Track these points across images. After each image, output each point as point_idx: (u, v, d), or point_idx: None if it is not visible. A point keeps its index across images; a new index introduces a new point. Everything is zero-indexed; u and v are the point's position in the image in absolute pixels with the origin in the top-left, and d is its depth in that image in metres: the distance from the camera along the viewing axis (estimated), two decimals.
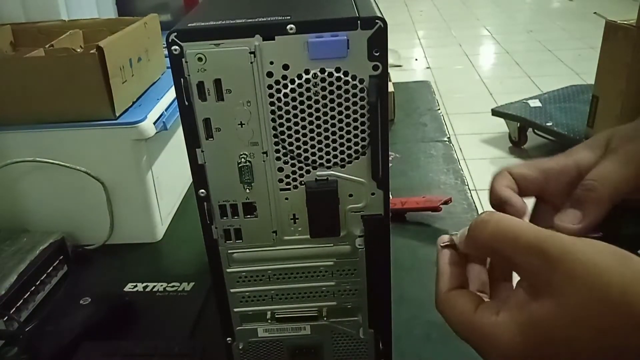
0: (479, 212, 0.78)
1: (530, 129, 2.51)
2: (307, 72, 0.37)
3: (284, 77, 0.38)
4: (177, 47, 0.37)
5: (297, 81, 0.38)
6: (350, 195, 0.42)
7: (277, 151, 0.40)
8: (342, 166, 0.41)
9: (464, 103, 3.12)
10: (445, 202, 0.77)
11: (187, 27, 0.37)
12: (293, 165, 0.41)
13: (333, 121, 0.39)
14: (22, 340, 0.57)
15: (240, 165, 0.41)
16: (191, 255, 0.74)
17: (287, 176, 0.41)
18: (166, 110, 0.75)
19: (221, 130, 0.39)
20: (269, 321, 0.47)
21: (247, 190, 0.42)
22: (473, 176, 2.32)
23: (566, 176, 0.37)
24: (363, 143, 0.40)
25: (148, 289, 0.67)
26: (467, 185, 0.86)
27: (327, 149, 0.40)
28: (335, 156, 0.40)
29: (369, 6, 0.39)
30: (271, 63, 0.37)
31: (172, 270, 0.71)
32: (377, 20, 0.36)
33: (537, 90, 3.10)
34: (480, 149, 2.64)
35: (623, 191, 0.34)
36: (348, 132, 0.39)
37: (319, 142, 0.40)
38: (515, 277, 0.31)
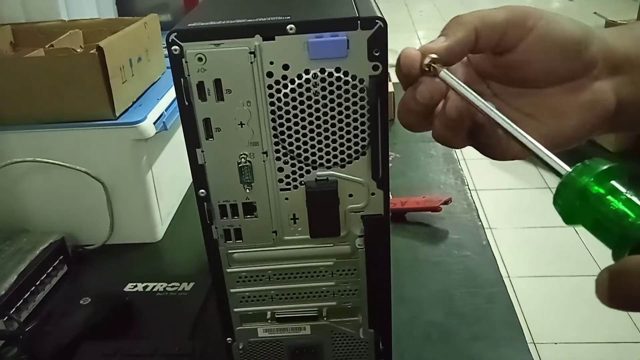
0: (479, 212, 0.78)
1: None
2: (307, 72, 0.37)
3: (284, 77, 0.38)
4: (177, 47, 0.37)
5: (297, 81, 0.38)
6: (350, 195, 0.42)
7: (277, 151, 0.40)
8: (342, 166, 0.41)
9: None
10: (445, 202, 0.77)
11: (187, 27, 0.37)
12: (293, 165, 0.41)
13: (333, 121, 0.39)
14: (22, 340, 0.57)
15: (240, 165, 0.41)
16: (191, 255, 0.74)
17: (287, 176, 0.41)
18: (166, 110, 0.75)
19: (221, 130, 0.39)
20: (269, 321, 0.47)
21: (247, 190, 0.42)
22: (473, 176, 2.32)
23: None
24: (363, 143, 0.40)
25: (148, 289, 0.67)
26: (467, 185, 0.86)
27: (327, 149, 0.40)
28: (335, 156, 0.40)
29: (369, 6, 0.39)
30: (271, 63, 0.37)
31: (172, 270, 0.71)
32: (377, 20, 0.36)
33: None
34: None
35: (490, 24, 0.34)
36: (348, 132, 0.39)
37: (319, 142, 0.40)
38: None
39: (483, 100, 0.32)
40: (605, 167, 0.24)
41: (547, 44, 0.34)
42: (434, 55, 0.34)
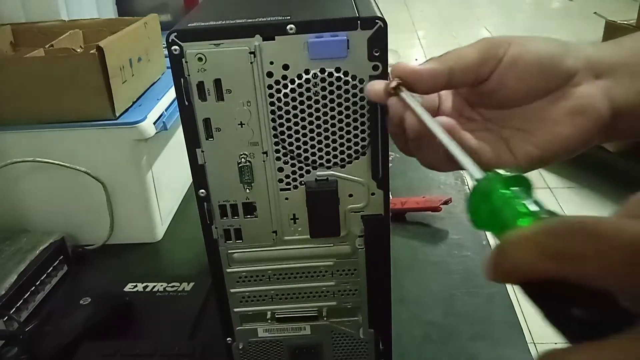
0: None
1: None
2: (307, 72, 0.37)
3: (284, 77, 0.38)
4: (177, 47, 0.37)
5: (297, 81, 0.38)
6: (350, 195, 0.42)
7: (277, 151, 0.40)
8: (342, 166, 0.41)
9: None
10: (445, 202, 0.77)
11: (187, 27, 0.37)
12: (293, 165, 0.41)
13: (333, 121, 0.39)
14: (22, 340, 0.57)
15: (240, 165, 0.41)
16: (191, 255, 0.74)
17: (287, 176, 0.41)
18: (166, 110, 0.75)
19: (221, 130, 0.39)
20: (269, 321, 0.47)
21: (247, 190, 0.42)
22: None
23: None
24: (363, 143, 0.40)
25: (148, 289, 0.67)
26: (467, 185, 0.86)
27: (327, 149, 0.40)
28: (335, 156, 0.40)
29: (369, 6, 0.39)
30: (271, 63, 0.37)
31: (172, 270, 0.71)
32: (377, 20, 0.36)
33: None
34: None
35: (464, 65, 0.35)
36: (348, 132, 0.39)
37: (319, 142, 0.40)
38: None
39: (429, 117, 0.33)
40: (510, 176, 0.27)
41: (518, 68, 0.35)
42: (399, 80, 0.35)
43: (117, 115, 0.69)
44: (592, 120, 0.35)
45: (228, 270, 0.45)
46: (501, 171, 0.27)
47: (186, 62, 0.37)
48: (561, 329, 0.22)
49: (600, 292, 0.20)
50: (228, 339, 0.48)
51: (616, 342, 0.19)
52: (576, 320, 0.21)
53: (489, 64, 0.35)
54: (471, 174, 0.29)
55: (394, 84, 0.35)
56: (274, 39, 0.37)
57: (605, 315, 0.20)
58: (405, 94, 0.34)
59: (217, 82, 0.38)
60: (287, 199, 0.42)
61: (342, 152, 0.40)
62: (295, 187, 0.41)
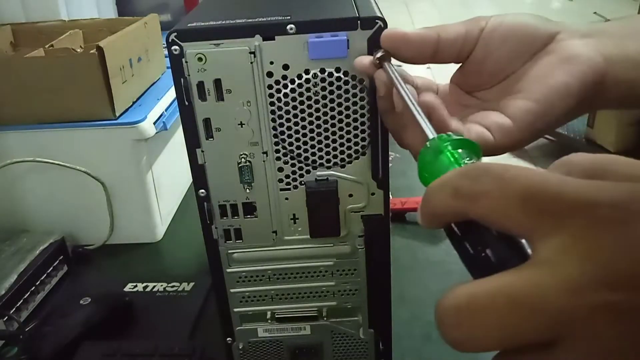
0: None
1: None
2: (307, 72, 0.37)
3: (284, 77, 0.38)
4: (177, 47, 0.37)
5: (297, 81, 0.38)
6: (350, 195, 0.42)
7: (277, 151, 0.40)
8: (342, 166, 0.41)
9: None
10: None
11: (187, 27, 0.37)
12: (293, 165, 0.41)
13: (333, 121, 0.39)
14: (22, 340, 0.57)
15: (240, 165, 0.41)
16: (191, 255, 0.74)
17: (287, 176, 0.41)
18: (166, 110, 0.75)
19: (221, 130, 0.39)
20: (269, 321, 0.47)
21: (247, 190, 0.42)
22: None
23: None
24: (363, 143, 0.40)
25: (148, 289, 0.67)
26: None
27: (327, 149, 0.40)
28: (335, 156, 0.40)
29: (369, 6, 0.39)
30: (271, 63, 0.37)
31: (172, 270, 0.71)
32: (377, 20, 0.36)
33: None
34: None
35: (451, 35, 0.36)
36: (348, 132, 0.39)
37: (319, 142, 0.40)
38: None
39: (404, 86, 0.33)
40: (461, 139, 0.28)
41: (500, 30, 0.36)
42: (383, 51, 0.35)
43: (117, 115, 0.69)
44: (583, 65, 0.35)
45: (228, 270, 0.45)
46: (454, 135, 0.28)
47: (186, 62, 0.37)
48: (472, 270, 0.24)
49: (503, 234, 0.21)
50: (228, 339, 0.48)
51: (502, 274, 0.20)
52: (483, 261, 0.23)
53: (473, 33, 0.36)
54: (426, 133, 0.30)
55: (379, 54, 0.35)
56: (274, 39, 0.37)
57: (507, 256, 0.22)
58: (389, 65, 0.35)
59: (217, 82, 0.38)
60: (287, 199, 0.42)
61: (342, 152, 0.40)
62: (295, 187, 0.41)
